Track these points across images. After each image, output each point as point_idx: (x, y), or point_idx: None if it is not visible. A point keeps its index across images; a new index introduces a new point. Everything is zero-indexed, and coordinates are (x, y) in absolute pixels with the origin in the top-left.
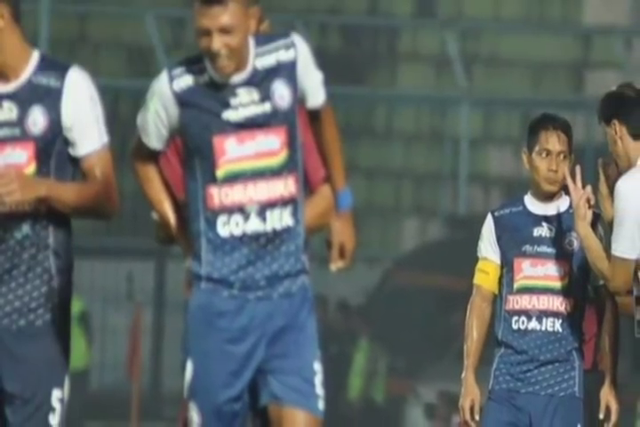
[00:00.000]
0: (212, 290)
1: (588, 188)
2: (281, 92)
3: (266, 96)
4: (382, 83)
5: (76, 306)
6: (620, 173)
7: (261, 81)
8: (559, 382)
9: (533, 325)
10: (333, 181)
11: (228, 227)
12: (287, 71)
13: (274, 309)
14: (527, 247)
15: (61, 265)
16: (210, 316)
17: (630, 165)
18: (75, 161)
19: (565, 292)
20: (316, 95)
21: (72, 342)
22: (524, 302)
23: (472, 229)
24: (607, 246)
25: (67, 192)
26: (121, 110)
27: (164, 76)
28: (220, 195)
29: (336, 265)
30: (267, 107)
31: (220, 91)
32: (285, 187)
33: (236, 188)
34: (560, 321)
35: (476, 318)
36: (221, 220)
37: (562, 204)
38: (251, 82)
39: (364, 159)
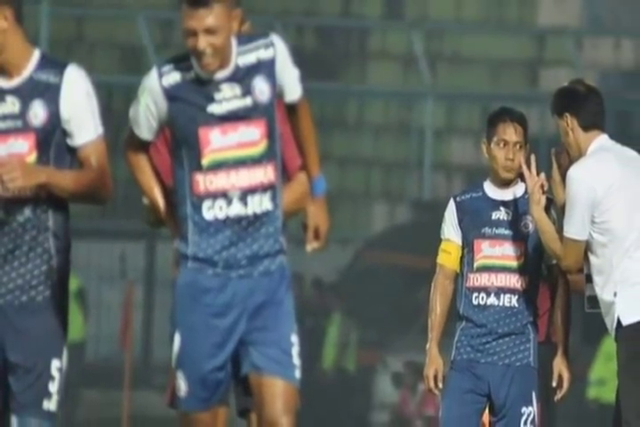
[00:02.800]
0: (197, 269)
1: (542, 175)
2: (261, 88)
3: (247, 91)
4: (354, 79)
5: (74, 283)
6: (571, 162)
7: (243, 77)
8: (515, 353)
9: (492, 300)
10: (309, 169)
11: (212, 211)
12: (267, 68)
13: (254, 286)
14: (486, 229)
15: (60, 246)
16: (196, 292)
17: (581, 155)
18: (72, 151)
19: (521, 270)
20: (293, 90)
21: (70, 317)
22: (484, 279)
23: (436, 212)
24: (560, 229)
25: (65, 179)
26: (114, 104)
27: (153, 73)
28: (205, 181)
29: (311, 246)
30: (248, 101)
31: (205, 86)
32: (265, 174)
33: (220, 175)
34: (516, 297)
35: (439, 295)
36: (206, 204)
37: (518, 190)
38: (233, 78)
39: (336, 149)
